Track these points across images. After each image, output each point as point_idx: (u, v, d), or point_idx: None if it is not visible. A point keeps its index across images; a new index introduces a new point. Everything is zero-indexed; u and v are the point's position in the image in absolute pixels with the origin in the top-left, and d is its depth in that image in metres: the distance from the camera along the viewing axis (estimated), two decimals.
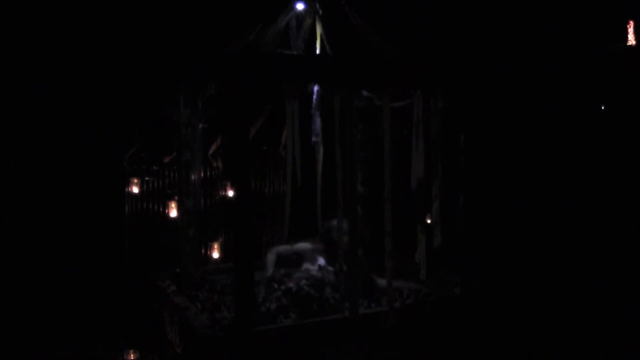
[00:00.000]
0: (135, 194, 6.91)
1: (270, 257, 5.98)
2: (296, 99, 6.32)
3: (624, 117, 8.66)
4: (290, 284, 5.43)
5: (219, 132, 6.66)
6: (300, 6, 5.69)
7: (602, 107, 8.96)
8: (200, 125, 5.81)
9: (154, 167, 7.08)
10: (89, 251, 7.29)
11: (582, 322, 6.19)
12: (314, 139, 6.06)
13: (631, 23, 8.59)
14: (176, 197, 6.60)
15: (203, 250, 6.78)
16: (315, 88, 5.84)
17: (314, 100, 5.90)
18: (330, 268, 5.81)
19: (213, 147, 6.90)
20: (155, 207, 7.08)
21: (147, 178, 7.05)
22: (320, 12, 5.69)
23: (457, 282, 5.50)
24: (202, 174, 6.22)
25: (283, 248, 6.14)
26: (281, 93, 6.28)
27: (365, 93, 5.56)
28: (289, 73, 4.90)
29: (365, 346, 4.88)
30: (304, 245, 6.07)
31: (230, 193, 7.06)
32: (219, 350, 4.54)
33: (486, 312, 5.56)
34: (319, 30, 5.78)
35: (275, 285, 5.47)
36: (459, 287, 5.43)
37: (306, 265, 5.87)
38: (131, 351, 5.18)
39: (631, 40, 8.58)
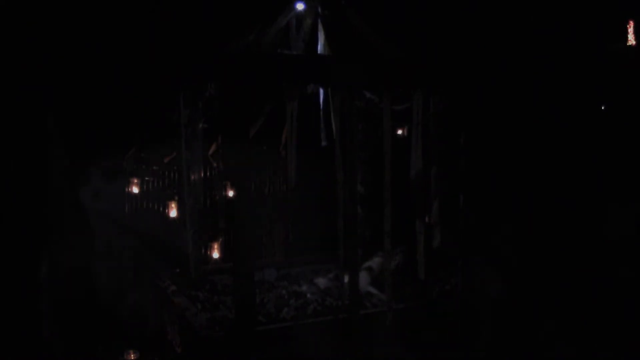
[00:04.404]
0: (135, 194, 6.91)
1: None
2: (296, 99, 6.32)
3: (624, 117, 8.66)
4: None
5: (219, 132, 6.66)
6: (300, 6, 5.69)
7: (602, 107, 8.96)
8: (200, 125, 5.82)
9: (154, 167, 7.08)
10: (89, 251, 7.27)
11: (582, 322, 6.18)
12: (323, 143, 6.07)
13: (631, 23, 8.57)
14: (176, 197, 6.60)
15: (203, 250, 6.78)
16: (322, 92, 5.85)
17: (321, 103, 5.90)
18: None
19: (213, 147, 6.90)
20: (155, 207, 7.08)
21: (147, 178, 7.05)
22: (321, 12, 5.68)
23: (456, 282, 5.49)
24: (202, 174, 6.23)
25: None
26: (281, 93, 6.29)
27: (368, 95, 5.56)
28: (289, 73, 4.91)
29: (365, 346, 4.88)
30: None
31: (230, 193, 7.06)
32: (220, 350, 4.54)
33: (486, 311, 5.56)
34: (319, 30, 5.78)
35: None
36: (458, 287, 5.43)
37: None
38: (131, 351, 5.17)
39: (631, 40, 8.57)
